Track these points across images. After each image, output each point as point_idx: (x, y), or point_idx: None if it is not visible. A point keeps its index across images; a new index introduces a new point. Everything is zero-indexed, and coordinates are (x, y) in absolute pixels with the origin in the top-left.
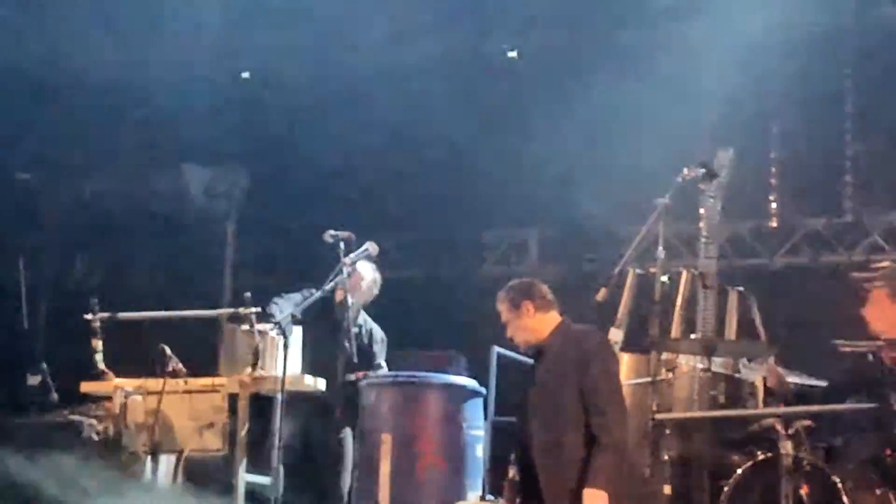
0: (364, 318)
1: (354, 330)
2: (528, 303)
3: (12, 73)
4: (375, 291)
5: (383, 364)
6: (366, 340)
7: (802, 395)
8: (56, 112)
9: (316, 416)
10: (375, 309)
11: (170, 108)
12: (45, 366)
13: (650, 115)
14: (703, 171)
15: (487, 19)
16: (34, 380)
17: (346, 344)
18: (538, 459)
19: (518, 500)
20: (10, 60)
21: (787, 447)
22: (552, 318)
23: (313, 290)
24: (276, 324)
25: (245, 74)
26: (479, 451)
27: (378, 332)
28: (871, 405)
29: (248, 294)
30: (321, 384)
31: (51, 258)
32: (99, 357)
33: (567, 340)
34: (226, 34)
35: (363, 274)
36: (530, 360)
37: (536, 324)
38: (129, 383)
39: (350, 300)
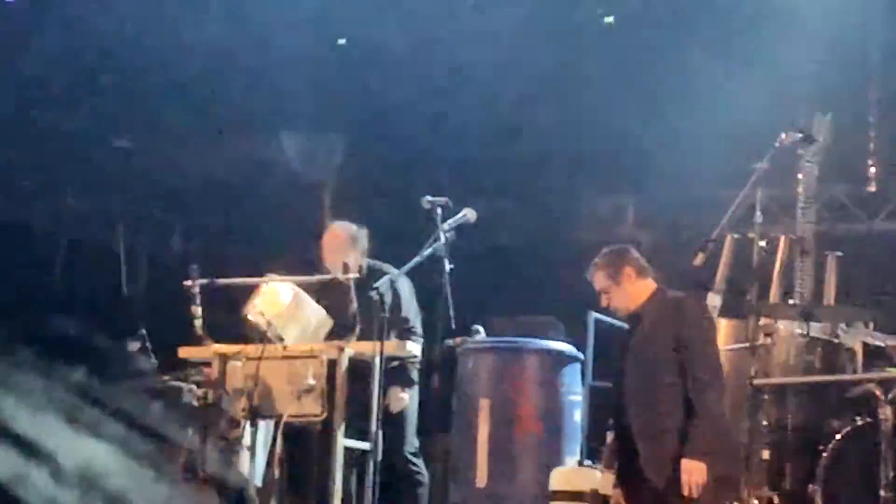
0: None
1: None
2: (628, 268)
3: (114, 42)
4: (363, 243)
5: (481, 329)
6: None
7: None
8: (155, 80)
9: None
10: (475, 276)
11: (267, 76)
12: (144, 332)
13: (747, 80)
14: (800, 135)
15: None
16: (134, 346)
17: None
18: (635, 426)
19: (616, 466)
20: (112, 28)
21: (886, 412)
22: (649, 285)
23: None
24: (374, 289)
25: (342, 41)
26: (577, 417)
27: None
28: None
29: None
30: (416, 350)
31: (150, 225)
32: (198, 323)
33: (663, 307)
34: (322, 1)
35: (338, 231)
36: (627, 326)
37: (636, 290)
38: (228, 349)
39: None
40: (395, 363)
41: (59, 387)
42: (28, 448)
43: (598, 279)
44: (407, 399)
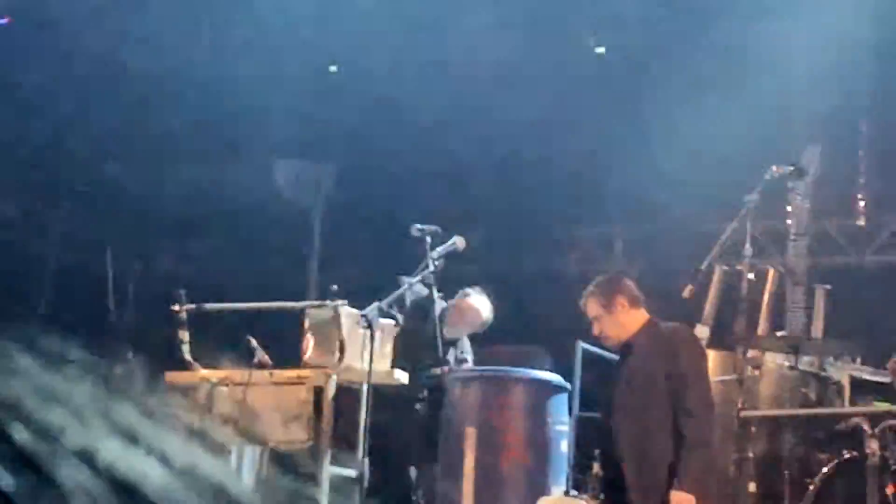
0: (464, 346)
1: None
2: (621, 298)
3: (102, 66)
4: (478, 326)
5: (469, 359)
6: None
7: (890, 395)
8: (144, 105)
9: (399, 410)
10: None
11: (258, 102)
12: (131, 356)
13: (737, 112)
14: (791, 168)
15: (574, 15)
16: (121, 370)
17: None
18: (624, 456)
19: (602, 497)
20: (101, 52)
21: (873, 446)
22: (640, 315)
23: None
24: (363, 316)
25: (333, 68)
26: (564, 447)
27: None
28: None
29: (335, 287)
30: (404, 378)
31: (138, 249)
32: (185, 348)
33: (655, 337)
34: (314, 28)
35: (473, 304)
36: (615, 356)
37: (628, 319)
38: (215, 374)
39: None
40: None
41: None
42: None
43: (591, 307)
44: None
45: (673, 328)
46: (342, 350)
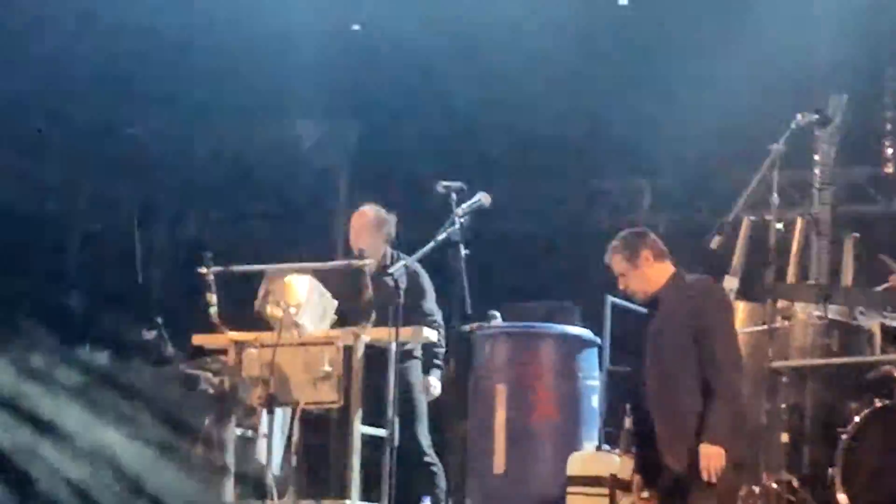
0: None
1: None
2: (646, 251)
3: (126, 28)
4: (390, 230)
5: (497, 315)
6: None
7: None
8: (167, 66)
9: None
10: (489, 260)
11: (281, 62)
12: (160, 320)
13: (763, 61)
14: (816, 116)
15: None
16: (149, 334)
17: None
18: (654, 410)
19: (633, 450)
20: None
21: None
22: (667, 268)
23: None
24: (389, 275)
25: (355, 27)
26: (595, 402)
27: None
28: None
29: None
30: (433, 336)
31: (164, 213)
32: (213, 310)
33: (681, 290)
34: None
35: (367, 213)
36: (644, 310)
37: (654, 273)
38: (244, 336)
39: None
40: (419, 351)
41: (79, 370)
42: (43, 427)
43: (616, 262)
44: (438, 387)
45: (698, 280)
46: (370, 309)
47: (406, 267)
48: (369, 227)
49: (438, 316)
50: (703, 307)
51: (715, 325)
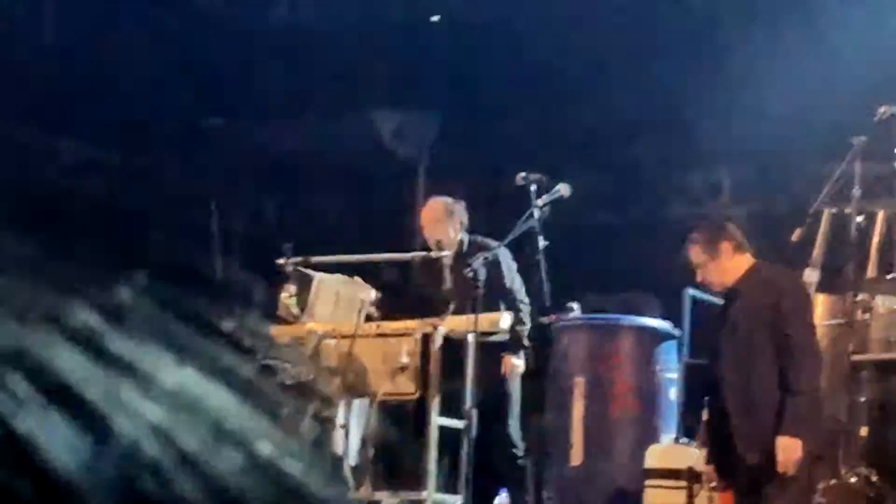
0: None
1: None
2: (726, 243)
3: (201, 19)
4: (461, 217)
5: (575, 306)
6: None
7: None
8: (247, 56)
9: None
10: (569, 253)
11: (360, 53)
12: (238, 310)
13: (846, 52)
14: None
15: None
16: (229, 325)
17: (541, 286)
18: (730, 403)
19: (710, 443)
20: (197, 6)
21: None
22: (747, 260)
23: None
24: (468, 265)
25: (435, 18)
26: (673, 394)
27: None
28: None
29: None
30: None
31: (243, 204)
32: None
33: (761, 282)
34: None
35: (433, 204)
36: (722, 302)
37: (733, 265)
38: (321, 327)
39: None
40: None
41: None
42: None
43: (695, 253)
44: (521, 365)
45: (777, 272)
46: (447, 300)
47: (486, 259)
48: (440, 217)
49: (522, 294)
50: (782, 299)
51: (794, 317)
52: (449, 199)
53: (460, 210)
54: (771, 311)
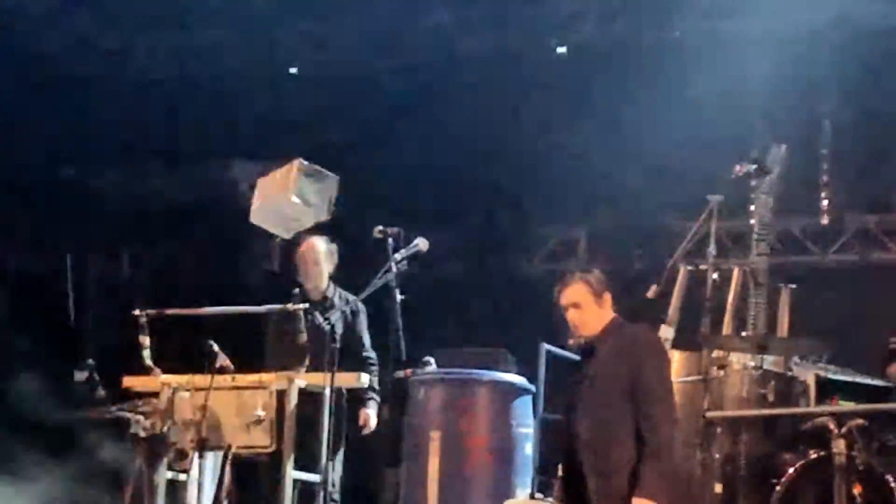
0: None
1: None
2: (608, 294)
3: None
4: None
5: (431, 361)
6: (349, 317)
7: (855, 394)
8: (102, 108)
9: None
10: (425, 307)
11: (220, 103)
12: (92, 362)
13: (701, 111)
14: (754, 167)
15: (536, 14)
16: (81, 376)
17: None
18: (586, 458)
19: (564, 500)
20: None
21: (839, 446)
22: (610, 315)
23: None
24: (325, 319)
25: (293, 70)
26: (529, 449)
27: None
28: None
29: (297, 290)
30: (365, 381)
31: (97, 254)
32: (146, 353)
33: (619, 337)
34: (270, 26)
35: (316, 245)
36: (578, 357)
37: (605, 315)
38: (176, 379)
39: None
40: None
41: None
42: None
43: (580, 292)
44: (375, 421)
45: (635, 329)
46: (304, 354)
47: (343, 313)
48: (319, 260)
49: (372, 353)
50: (642, 360)
51: (652, 378)
52: (326, 239)
53: (335, 252)
54: (630, 371)
